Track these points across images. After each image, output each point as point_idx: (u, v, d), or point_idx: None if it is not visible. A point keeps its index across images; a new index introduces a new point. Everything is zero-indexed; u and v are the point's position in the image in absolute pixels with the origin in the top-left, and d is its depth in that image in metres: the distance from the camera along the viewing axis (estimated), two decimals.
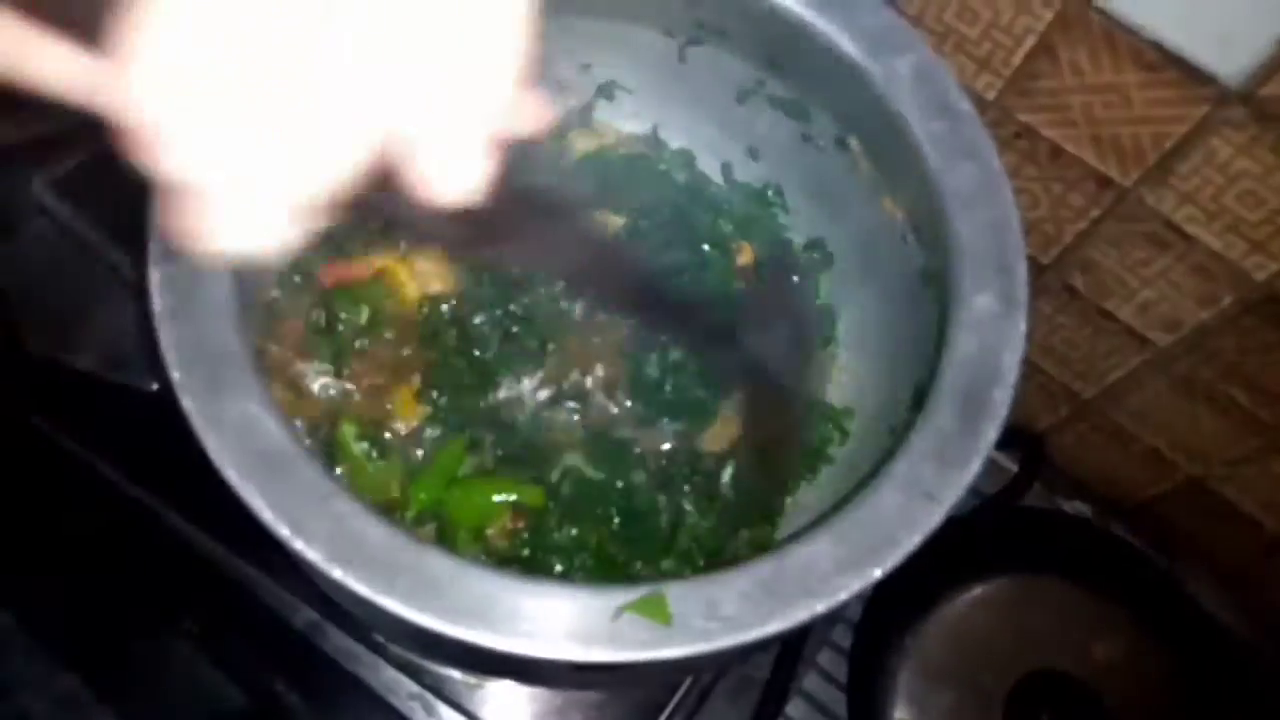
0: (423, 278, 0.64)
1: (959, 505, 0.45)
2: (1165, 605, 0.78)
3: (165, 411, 0.42)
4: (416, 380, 0.62)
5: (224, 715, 0.69)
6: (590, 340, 0.65)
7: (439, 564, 0.41)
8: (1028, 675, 0.77)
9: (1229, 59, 0.56)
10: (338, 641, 0.65)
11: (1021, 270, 0.50)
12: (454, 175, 0.27)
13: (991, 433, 0.46)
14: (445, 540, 0.57)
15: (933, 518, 0.44)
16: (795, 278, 0.68)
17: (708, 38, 0.63)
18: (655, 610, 0.40)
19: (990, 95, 0.67)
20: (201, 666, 0.65)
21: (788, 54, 0.60)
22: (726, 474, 0.62)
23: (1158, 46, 0.58)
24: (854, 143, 0.61)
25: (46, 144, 0.68)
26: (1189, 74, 0.58)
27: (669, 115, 0.70)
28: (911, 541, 0.43)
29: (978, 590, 0.80)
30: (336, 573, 0.40)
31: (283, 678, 0.65)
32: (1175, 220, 0.65)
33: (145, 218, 0.45)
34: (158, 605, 0.66)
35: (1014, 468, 0.83)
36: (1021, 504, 0.82)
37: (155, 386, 0.67)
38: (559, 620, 0.40)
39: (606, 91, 0.70)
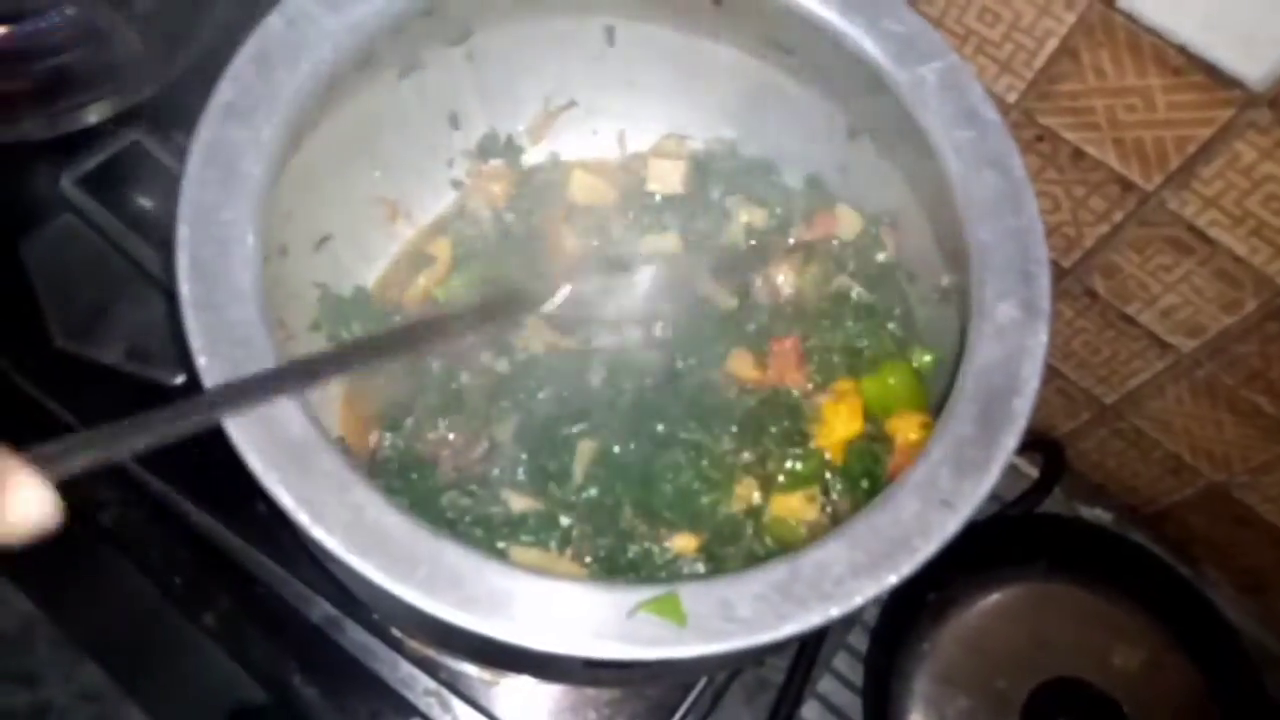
0: None
1: (977, 512, 0.45)
2: (1185, 612, 0.77)
3: None
4: None
5: (242, 709, 0.69)
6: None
7: (457, 556, 0.41)
8: (1045, 682, 0.76)
9: (1254, 62, 0.56)
10: (355, 636, 0.66)
11: (1044, 279, 0.50)
12: None
13: (1011, 441, 0.46)
14: None
15: (949, 525, 0.44)
16: None
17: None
18: (670, 610, 0.40)
19: (1011, 98, 0.67)
20: (220, 660, 0.66)
21: (813, 59, 0.60)
22: None
23: (1182, 49, 0.58)
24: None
25: (74, 140, 0.69)
26: (1213, 77, 0.58)
27: (688, 120, 0.71)
28: (927, 548, 0.43)
29: (996, 596, 0.79)
30: (354, 561, 0.40)
31: (300, 672, 0.65)
32: (1198, 224, 0.65)
33: (171, 212, 0.45)
34: (177, 598, 0.67)
35: (1034, 473, 0.83)
36: (1041, 510, 0.82)
37: (178, 381, 0.68)
38: (575, 616, 0.41)
39: None
